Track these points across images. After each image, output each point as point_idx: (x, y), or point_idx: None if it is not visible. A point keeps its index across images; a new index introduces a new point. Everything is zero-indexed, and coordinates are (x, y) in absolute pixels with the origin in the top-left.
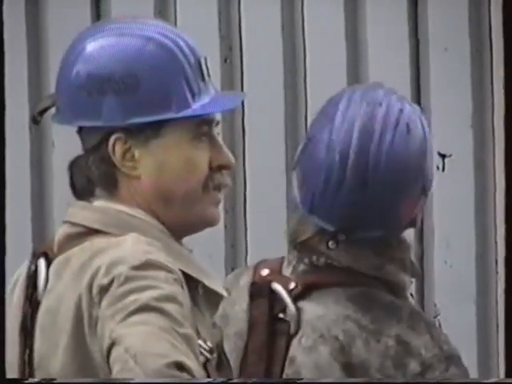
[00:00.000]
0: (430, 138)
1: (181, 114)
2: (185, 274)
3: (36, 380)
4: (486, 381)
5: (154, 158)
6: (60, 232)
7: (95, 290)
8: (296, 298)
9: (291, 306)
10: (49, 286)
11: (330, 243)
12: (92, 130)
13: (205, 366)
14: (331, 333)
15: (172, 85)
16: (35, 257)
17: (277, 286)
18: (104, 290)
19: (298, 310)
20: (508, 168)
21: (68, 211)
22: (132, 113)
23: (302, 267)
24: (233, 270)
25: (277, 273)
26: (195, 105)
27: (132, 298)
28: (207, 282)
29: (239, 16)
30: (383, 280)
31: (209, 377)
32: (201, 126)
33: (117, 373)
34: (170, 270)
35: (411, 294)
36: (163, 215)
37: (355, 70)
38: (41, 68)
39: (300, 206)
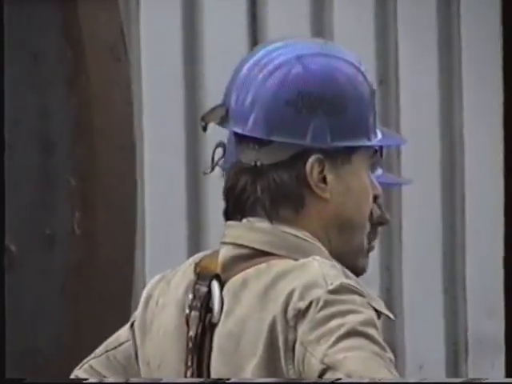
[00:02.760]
0: None
1: (373, 143)
2: None
3: (40, 380)
4: (486, 381)
5: (343, 183)
6: (224, 253)
7: (291, 314)
8: None
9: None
10: (226, 309)
11: None
12: (283, 146)
13: None
14: None
15: (369, 113)
16: (203, 278)
17: None
18: (301, 314)
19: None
20: (508, 168)
21: (229, 232)
22: (339, 135)
23: None
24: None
25: None
26: (378, 135)
27: (335, 322)
28: (377, 306)
29: (396, 39)
30: None
31: None
32: (372, 156)
33: None
34: (361, 294)
35: None
36: (332, 240)
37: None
38: (197, 86)
39: None
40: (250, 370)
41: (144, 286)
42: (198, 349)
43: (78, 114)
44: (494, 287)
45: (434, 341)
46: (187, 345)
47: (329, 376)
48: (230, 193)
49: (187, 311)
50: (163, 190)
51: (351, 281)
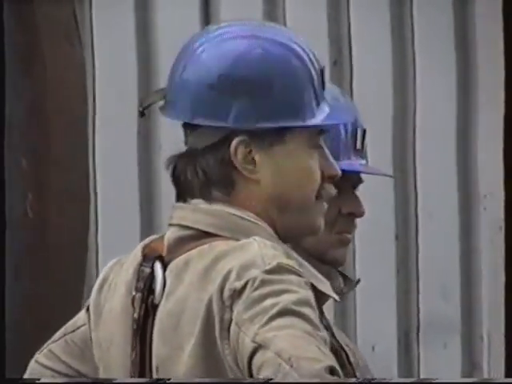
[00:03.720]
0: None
1: (308, 123)
2: None
3: (36, 380)
4: (486, 381)
5: (275, 163)
6: (169, 235)
7: (227, 294)
8: None
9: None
10: (168, 289)
11: None
12: (209, 130)
13: None
14: None
15: (303, 92)
16: (148, 260)
17: None
18: (237, 293)
19: None
20: (508, 169)
21: (175, 214)
22: (264, 117)
23: None
24: None
25: None
26: (319, 115)
27: (269, 301)
28: (321, 287)
29: (348, 19)
30: None
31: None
32: (317, 136)
33: (267, 377)
34: (299, 274)
35: None
36: (275, 220)
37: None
38: (151, 70)
39: None
40: (188, 349)
41: (97, 270)
42: (142, 330)
43: (32, 97)
44: (448, 268)
45: (386, 322)
46: (132, 326)
47: (259, 355)
48: (173, 177)
49: (133, 293)
50: (116, 173)
51: (291, 261)
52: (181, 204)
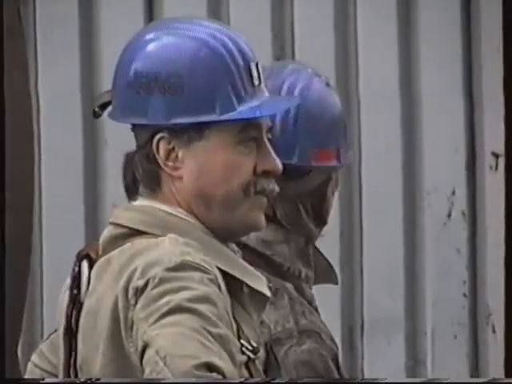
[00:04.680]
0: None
1: (224, 117)
2: (228, 274)
3: (36, 380)
4: (486, 380)
5: (196, 159)
6: (105, 234)
7: (131, 292)
8: None
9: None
10: (90, 288)
11: None
12: (142, 128)
13: (247, 365)
14: None
15: (217, 87)
16: (78, 259)
17: None
18: (140, 292)
19: None
20: (508, 170)
21: (113, 212)
22: (176, 113)
23: None
24: None
25: None
26: (241, 108)
27: (165, 299)
28: (250, 282)
29: (292, 15)
30: (271, 260)
31: (251, 376)
32: (248, 130)
33: (147, 375)
34: (205, 271)
35: (464, 294)
36: (204, 217)
37: (407, 70)
38: (94, 68)
39: None
40: (101, 348)
41: (41, 269)
42: (70, 330)
43: None
44: (392, 265)
45: (331, 318)
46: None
47: (146, 353)
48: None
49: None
50: (60, 171)
51: (201, 257)
52: (119, 203)
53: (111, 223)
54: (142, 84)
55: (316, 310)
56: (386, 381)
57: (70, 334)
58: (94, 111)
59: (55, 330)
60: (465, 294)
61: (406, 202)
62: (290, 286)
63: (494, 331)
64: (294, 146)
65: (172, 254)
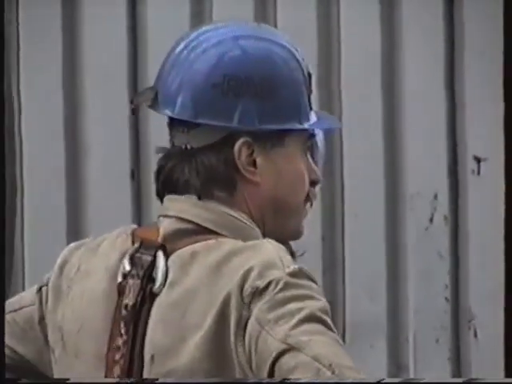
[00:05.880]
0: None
1: (307, 126)
2: None
3: (34, 381)
4: (486, 381)
5: (275, 166)
6: (167, 226)
7: (248, 291)
8: None
9: None
10: (171, 280)
11: None
12: (209, 129)
13: None
14: None
15: (300, 95)
16: (147, 248)
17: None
18: (258, 292)
19: None
20: (508, 171)
21: (171, 205)
22: (266, 118)
23: None
24: None
25: None
26: (313, 119)
27: (295, 305)
28: None
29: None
30: None
31: None
32: (310, 141)
33: (299, 379)
34: (316, 282)
35: (446, 298)
36: (267, 224)
37: (389, 72)
38: (76, 70)
39: None
40: (193, 341)
41: (23, 272)
42: (135, 318)
43: None
44: (374, 269)
45: None
46: (118, 313)
47: (290, 356)
48: (159, 175)
49: (120, 279)
50: (42, 172)
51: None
52: (177, 196)
53: (174, 216)
54: (231, 86)
55: None
56: (384, 381)
57: (136, 322)
58: (133, 108)
59: (15, 310)
60: (447, 299)
61: (388, 207)
62: None
63: (475, 335)
64: None
65: (283, 258)
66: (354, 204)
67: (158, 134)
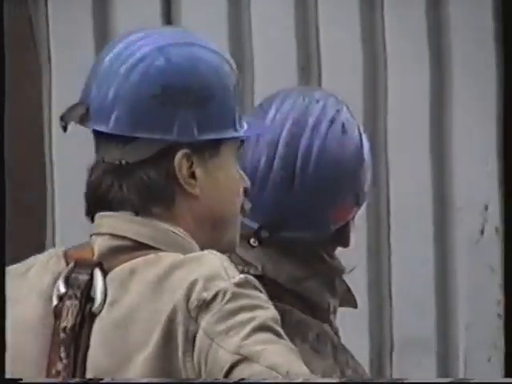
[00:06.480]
0: (369, 153)
1: (243, 133)
2: None
3: (36, 380)
4: (485, 381)
5: (212, 177)
6: (101, 243)
7: (193, 304)
8: None
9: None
10: (111, 298)
11: (252, 240)
12: (146, 142)
13: None
14: None
15: (234, 102)
16: (82, 267)
17: None
18: (205, 304)
19: None
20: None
21: (104, 222)
22: (204, 128)
23: None
24: None
25: None
26: (244, 125)
27: (244, 315)
28: None
29: (316, 24)
30: (301, 296)
31: None
32: (239, 147)
33: None
34: (262, 291)
35: (498, 314)
36: (203, 237)
37: (437, 81)
38: None
39: None
40: (139, 361)
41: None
42: (75, 340)
43: None
44: (424, 283)
45: (358, 341)
46: (56, 336)
47: (244, 367)
48: (92, 193)
49: (55, 302)
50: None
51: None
52: (109, 213)
53: (108, 234)
54: (169, 96)
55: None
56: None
57: (77, 342)
58: (64, 126)
59: None
60: (499, 315)
61: (436, 218)
62: (327, 327)
63: None
64: (312, 216)
65: (227, 269)
66: (401, 216)
67: None
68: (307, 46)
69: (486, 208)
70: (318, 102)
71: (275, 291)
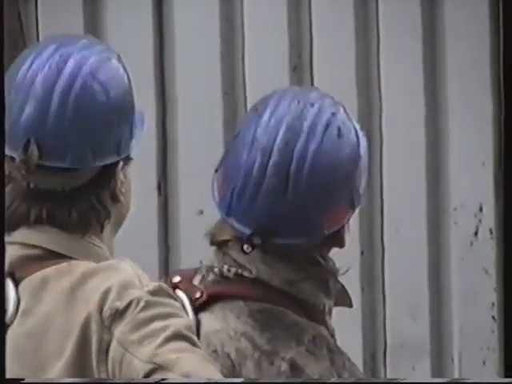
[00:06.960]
0: (366, 154)
1: (135, 145)
2: None
3: (35, 380)
4: (485, 381)
5: (127, 182)
6: (11, 253)
7: (107, 313)
8: (198, 309)
9: (191, 317)
10: (23, 308)
11: (245, 247)
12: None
13: None
14: (224, 349)
15: (126, 124)
16: None
17: (180, 294)
18: (118, 313)
19: (198, 322)
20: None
21: (15, 233)
22: (127, 143)
23: (211, 277)
24: None
25: (187, 281)
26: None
27: (158, 324)
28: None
29: (310, 24)
30: (296, 298)
31: None
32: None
33: None
34: (176, 299)
35: (493, 317)
36: (110, 239)
37: (432, 77)
38: None
39: (217, 209)
40: (54, 371)
41: None
42: None
43: None
44: (417, 286)
45: (351, 342)
46: None
47: (158, 376)
48: (21, 222)
49: None
50: None
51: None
52: (24, 225)
53: (18, 243)
54: (121, 116)
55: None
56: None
57: None
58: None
59: None
60: (493, 317)
61: (430, 220)
62: (323, 329)
63: None
64: (306, 223)
65: (141, 277)
66: (394, 217)
67: (185, 147)
68: (299, 46)
69: (481, 209)
70: (312, 105)
71: (269, 294)
